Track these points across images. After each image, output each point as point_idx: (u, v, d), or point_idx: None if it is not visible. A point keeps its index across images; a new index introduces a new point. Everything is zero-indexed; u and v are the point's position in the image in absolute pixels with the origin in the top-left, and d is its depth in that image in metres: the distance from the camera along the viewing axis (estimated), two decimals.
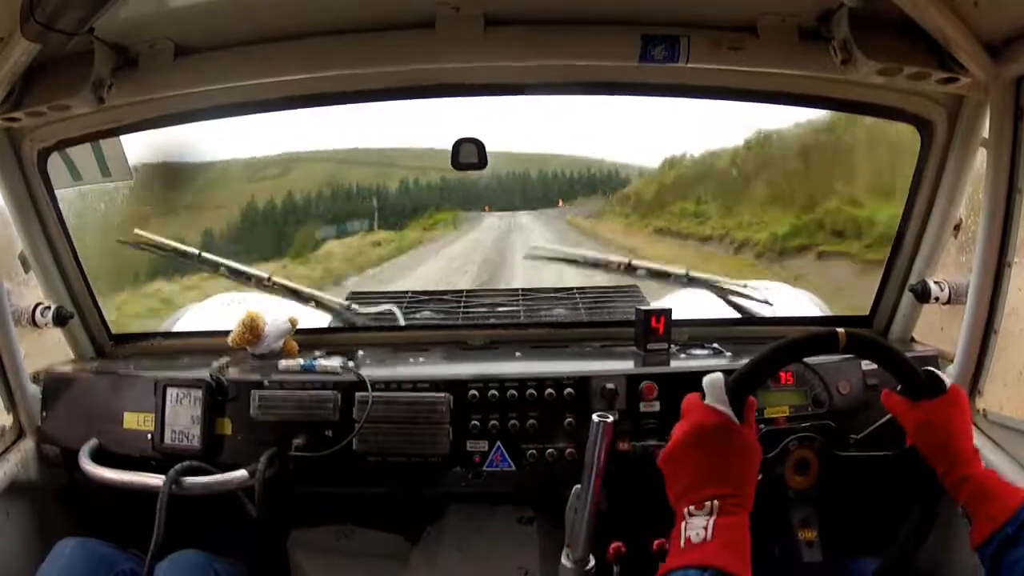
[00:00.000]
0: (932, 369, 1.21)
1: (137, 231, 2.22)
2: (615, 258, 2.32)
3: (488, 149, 1.89)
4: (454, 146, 1.91)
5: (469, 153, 1.90)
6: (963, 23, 1.35)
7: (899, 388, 1.22)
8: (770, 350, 1.14)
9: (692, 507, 1.01)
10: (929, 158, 1.74)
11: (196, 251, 2.19)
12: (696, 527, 0.98)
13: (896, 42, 1.45)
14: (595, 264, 2.38)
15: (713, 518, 0.98)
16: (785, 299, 2.42)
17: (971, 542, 1.10)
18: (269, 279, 2.22)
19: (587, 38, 1.58)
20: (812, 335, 1.17)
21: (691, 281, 2.46)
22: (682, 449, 1.07)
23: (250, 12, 1.54)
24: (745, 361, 1.16)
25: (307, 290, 2.34)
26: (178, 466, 1.57)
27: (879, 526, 1.83)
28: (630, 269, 2.38)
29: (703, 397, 1.09)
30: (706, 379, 1.11)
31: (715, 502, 0.99)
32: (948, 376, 1.23)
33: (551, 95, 1.88)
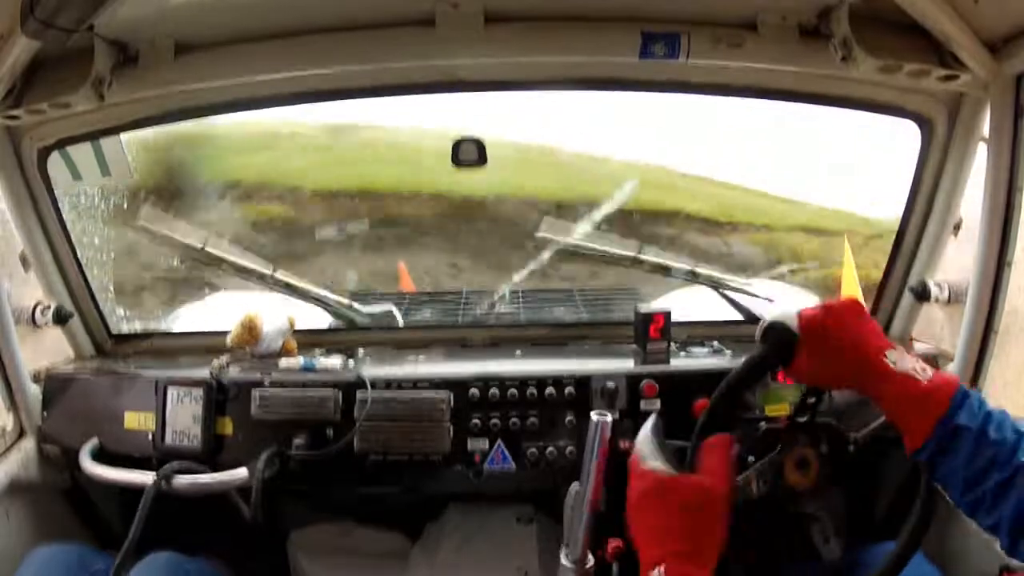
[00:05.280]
0: (768, 321, 1.15)
1: (143, 221, 2.20)
2: (622, 251, 2.30)
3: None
4: (454, 145, 1.91)
5: (469, 151, 1.90)
6: (963, 20, 1.35)
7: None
8: (716, 397, 1.14)
9: (659, 569, 0.95)
10: (929, 156, 1.73)
11: (199, 244, 2.18)
12: None
13: (896, 39, 1.45)
14: (602, 255, 2.36)
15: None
16: (785, 298, 2.42)
17: (907, 449, 1.05)
18: (273, 274, 2.22)
19: (587, 34, 1.58)
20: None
21: (695, 276, 2.45)
22: (630, 518, 1.03)
23: (250, 9, 1.54)
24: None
25: (309, 287, 2.34)
26: (167, 466, 1.57)
27: (879, 523, 1.83)
28: (637, 262, 2.37)
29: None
30: (637, 436, 1.09)
31: (661, 568, 0.94)
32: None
33: (551, 91, 1.87)
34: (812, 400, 1.22)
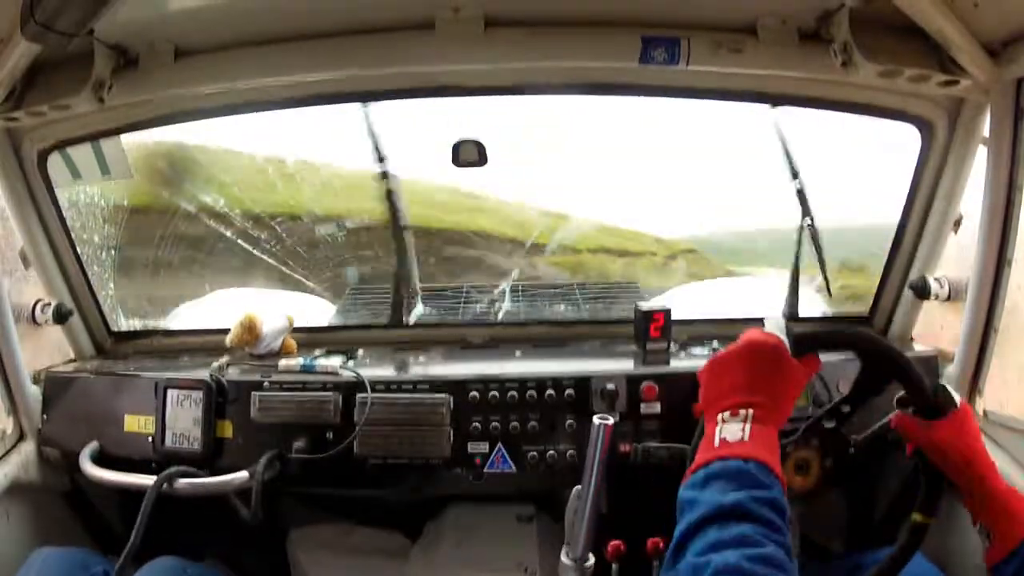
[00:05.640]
0: (944, 385, 1.19)
1: None
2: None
3: None
4: (454, 146, 1.91)
5: (469, 152, 1.90)
6: (963, 24, 1.34)
7: (911, 409, 1.21)
8: (860, 336, 1.19)
9: (727, 413, 1.03)
10: (929, 159, 1.73)
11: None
12: (732, 430, 1.00)
13: (896, 44, 1.44)
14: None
15: (748, 424, 1.00)
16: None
17: (988, 559, 1.09)
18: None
19: (587, 40, 1.58)
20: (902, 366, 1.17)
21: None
22: (728, 358, 1.10)
23: (250, 13, 1.54)
24: None
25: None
26: (168, 470, 1.57)
27: (879, 523, 1.84)
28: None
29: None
30: (767, 317, 1.16)
31: (750, 411, 1.02)
32: (951, 386, 1.22)
33: (550, 95, 1.87)
34: (847, 409, 1.24)
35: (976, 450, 1.13)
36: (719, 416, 1.03)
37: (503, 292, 2.52)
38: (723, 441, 0.99)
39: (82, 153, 1.90)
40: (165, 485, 1.54)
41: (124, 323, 2.21)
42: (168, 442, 1.69)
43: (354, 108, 1.96)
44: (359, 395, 1.65)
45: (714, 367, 1.11)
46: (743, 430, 0.99)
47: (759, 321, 1.17)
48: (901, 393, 1.21)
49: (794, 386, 1.09)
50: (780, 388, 1.07)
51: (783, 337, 1.11)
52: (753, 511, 0.88)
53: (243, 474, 1.58)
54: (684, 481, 0.99)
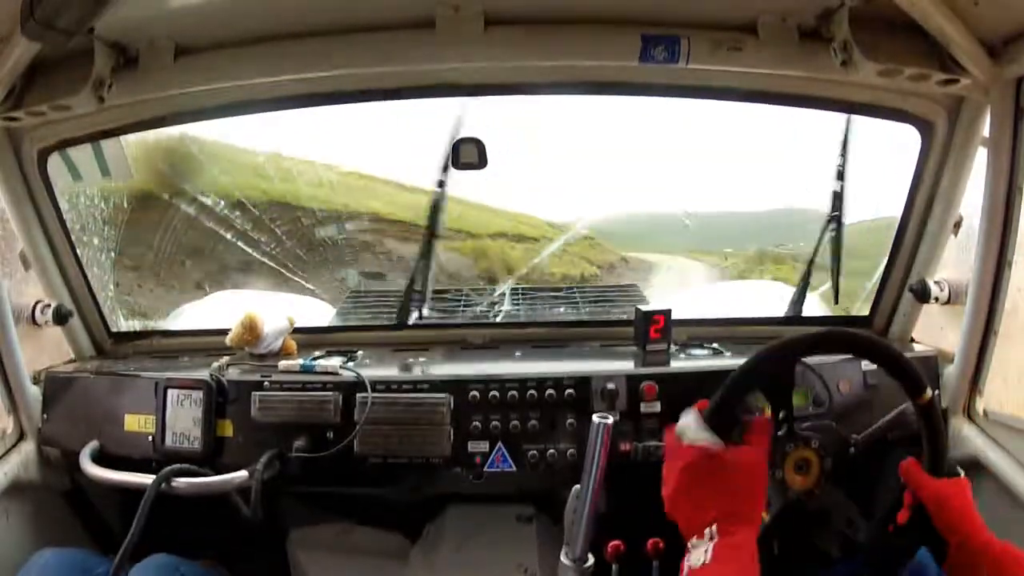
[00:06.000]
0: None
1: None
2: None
3: None
4: (454, 146, 1.90)
5: (469, 153, 1.90)
6: (963, 23, 1.34)
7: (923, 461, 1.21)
8: (735, 374, 1.17)
9: (694, 539, 1.04)
10: (929, 158, 1.74)
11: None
12: (697, 555, 1.01)
13: (896, 43, 1.44)
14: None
15: (713, 543, 1.01)
16: (784, 298, 2.42)
17: None
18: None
19: (587, 38, 1.58)
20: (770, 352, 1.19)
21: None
22: (675, 491, 1.10)
23: (250, 12, 1.54)
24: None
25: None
26: (168, 468, 1.56)
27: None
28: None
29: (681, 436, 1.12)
30: (679, 423, 1.14)
31: (713, 527, 1.02)
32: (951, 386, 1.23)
33: (551, 95, 1.87)
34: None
35: (971, 506, 1.15)
36: (689, 544, 1.04)
37: (503, 294, 2.53)
38: (689, 570, 1.01)
39: (82, 153, 1.90)
40: (164, 484, 1.54)
41: (124, 324, 2.21)
42: (168, 441, 1.68)
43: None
44: (359, 395, 1.65)
45: (670, 504, 1.11)
46: (706, 552, 1.00)
47: (758, 321, 1.18)
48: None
49: (749, 476, 1.09)
50: (735, 487, 1.07)
51: (698, 431, 1.10)
52: None
53: (243, 473, 1.57)
54: None
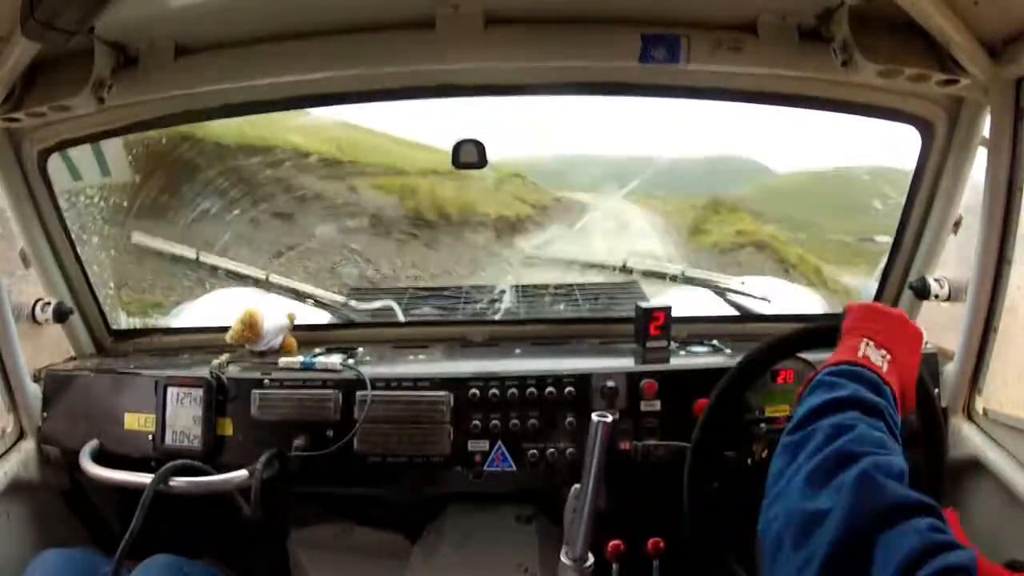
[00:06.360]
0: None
1: (135, 237, 2.22)
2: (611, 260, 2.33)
3: None
4: (454, 146, 1.90)
5: (469, 153, 1.90)
6: (963, 23, 1.34)
7: None
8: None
9: (872, 343, 1.10)
10: (929, 159, 1.73)
11: (194, 255, 2.19)
12: (874, 355, 1.08)
13: (896, 43, 1.44)
14: (592, 265, 2.38)
15: (887, 364, 1.07)
16: (783, 295, 2.42)
17: None
18: (267, 279, 2.23)
19: (587, 38, 1.58)
20: None
21: (687, 280, 2.47)
22: (888, 311, 1.19)
23: (250, 12, 1.54)
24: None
25: (305, 287, 2.34)
26: (168, 465, 1.56)
27: None
28: (625, 270, 2.38)
29: None
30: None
31: (888, 357, 1.08)
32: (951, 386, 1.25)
33: (551, 95, 1.87)
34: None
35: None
36: (863, 340, 1.09)
37: (503, 292, 2.53)
38: (866, 357, 1.06)
39: (82, 154, 1.90)
40: (164, 482, 1.54)
41: (124, 321, 2.22)
42: (168, 440, 1.69)
43: None
44: (359, 392, 1.65)
45: (874, 308, 1.19)
46: (884, 359, 1.07)
47: (760, 319, 1.19)
48: None
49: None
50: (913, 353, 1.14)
51: None
52: (888, 423, 0.96)
53: (243, 472, 1.58)
54: (821, 369, 1.07)
